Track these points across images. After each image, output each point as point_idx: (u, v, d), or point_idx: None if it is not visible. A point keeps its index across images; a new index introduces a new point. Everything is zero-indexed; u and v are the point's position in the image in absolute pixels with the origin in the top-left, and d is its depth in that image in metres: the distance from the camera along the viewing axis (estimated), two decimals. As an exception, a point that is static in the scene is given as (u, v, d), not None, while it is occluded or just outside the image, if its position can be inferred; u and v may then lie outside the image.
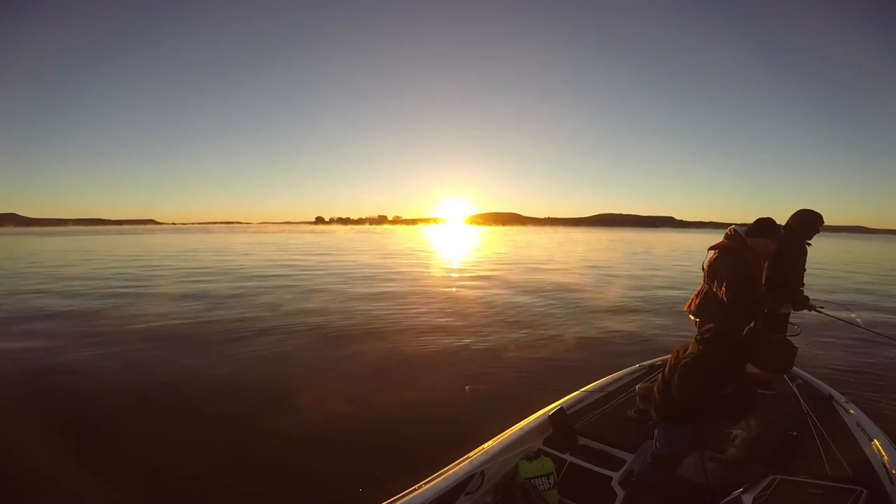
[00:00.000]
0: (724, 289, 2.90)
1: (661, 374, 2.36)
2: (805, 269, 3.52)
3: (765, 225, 2.97)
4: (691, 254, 28.26)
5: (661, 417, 2.26)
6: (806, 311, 3.46)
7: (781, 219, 3.51)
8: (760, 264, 3.07)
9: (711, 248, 3.13)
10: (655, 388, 2.34)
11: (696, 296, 3.24)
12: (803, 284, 3.55)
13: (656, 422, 2.31)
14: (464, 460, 2.29)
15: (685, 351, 2.20)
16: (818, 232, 3.49)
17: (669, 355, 2.36)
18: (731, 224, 3.11)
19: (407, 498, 1.95)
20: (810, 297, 3.51)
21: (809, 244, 3.46)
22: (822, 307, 3.52)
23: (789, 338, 3.49)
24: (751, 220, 3.09)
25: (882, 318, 8.99)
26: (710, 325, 2.20)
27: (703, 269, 3.17)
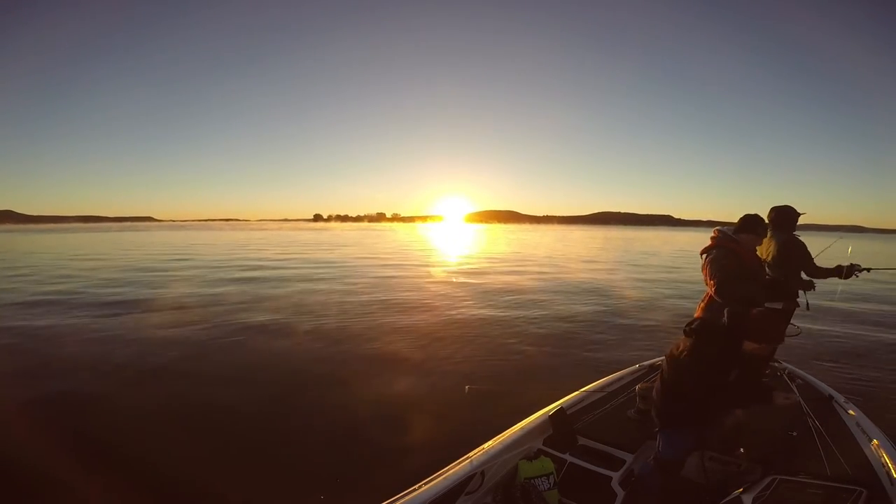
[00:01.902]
0: (712, 283, 2.92)
1: (658, 377, 2.33)
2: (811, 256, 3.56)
3: (748, 221, 3.05)
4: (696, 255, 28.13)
5: (664, 423, 2.23)
6: (854, 276, 3.48)
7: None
8: (754, 259, 3.12)
9: (702, 252, 3.16)
10: (655, 392, 2.32)
11: (703, 300, 3.26)
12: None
13: (658, 427, 2.29)
14: (464, 460, 2.28)
15: (678, 349, 2.18)
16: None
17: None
18: (727, 223, 3.14)
19: (407, 498, 1.94)
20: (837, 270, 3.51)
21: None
22: (867, 269, 3.58)
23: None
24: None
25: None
26: (696, 317, 2.19)
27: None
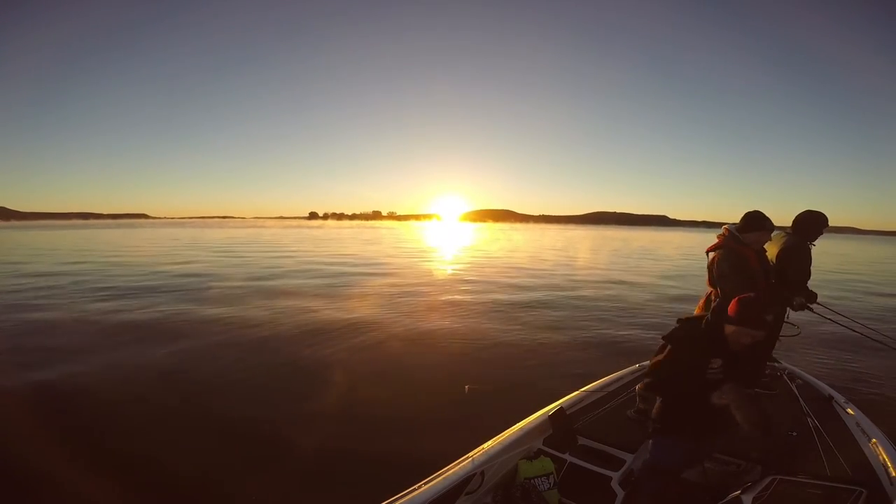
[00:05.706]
0: (731, 291, 2.86)
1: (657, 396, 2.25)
2: (810, 272, 3.46)
3: (753, 218, 2.98)
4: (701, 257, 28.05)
5: (656, 428, 2.17)
6: (807, 308, 3.36)
7: (780, 219, 3.46)
8: (762, 260, 3.06)
9: (710, 250, 3.12)
10: (655, 406, 2.24)
11: (704, 299, 3.23)
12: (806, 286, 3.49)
13: (650, 431, 2.25)
14: (464, 460, 2.27)
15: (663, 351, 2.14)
16: (822, 233, 3.45)
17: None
18: (723, 223, 3.09)
19: (407, 498, 1.93)
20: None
21: (814, 245, 3.43)
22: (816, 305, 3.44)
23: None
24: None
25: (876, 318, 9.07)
26: (680, 320, 2.15)
27: (707, 270, 3.15)
